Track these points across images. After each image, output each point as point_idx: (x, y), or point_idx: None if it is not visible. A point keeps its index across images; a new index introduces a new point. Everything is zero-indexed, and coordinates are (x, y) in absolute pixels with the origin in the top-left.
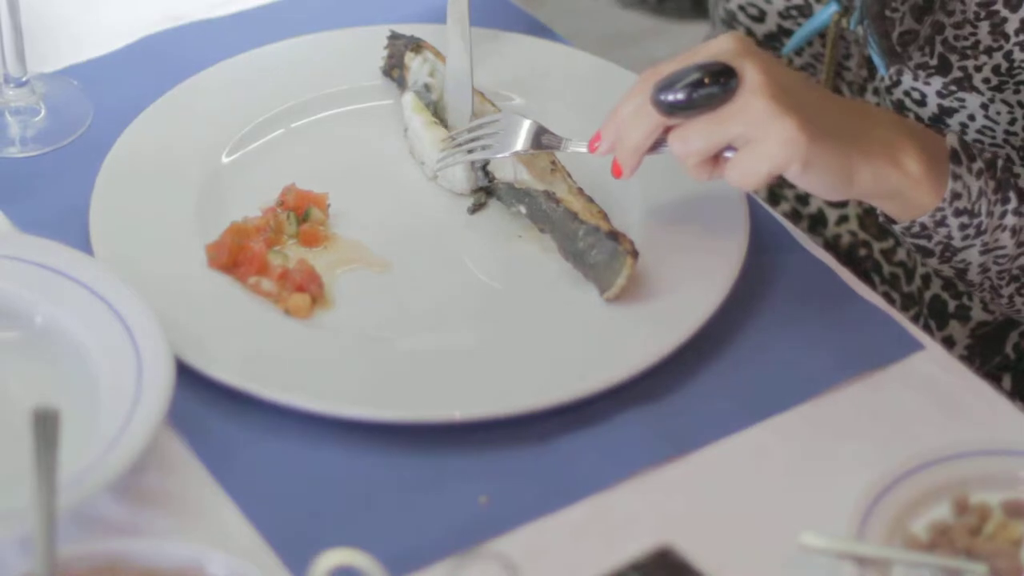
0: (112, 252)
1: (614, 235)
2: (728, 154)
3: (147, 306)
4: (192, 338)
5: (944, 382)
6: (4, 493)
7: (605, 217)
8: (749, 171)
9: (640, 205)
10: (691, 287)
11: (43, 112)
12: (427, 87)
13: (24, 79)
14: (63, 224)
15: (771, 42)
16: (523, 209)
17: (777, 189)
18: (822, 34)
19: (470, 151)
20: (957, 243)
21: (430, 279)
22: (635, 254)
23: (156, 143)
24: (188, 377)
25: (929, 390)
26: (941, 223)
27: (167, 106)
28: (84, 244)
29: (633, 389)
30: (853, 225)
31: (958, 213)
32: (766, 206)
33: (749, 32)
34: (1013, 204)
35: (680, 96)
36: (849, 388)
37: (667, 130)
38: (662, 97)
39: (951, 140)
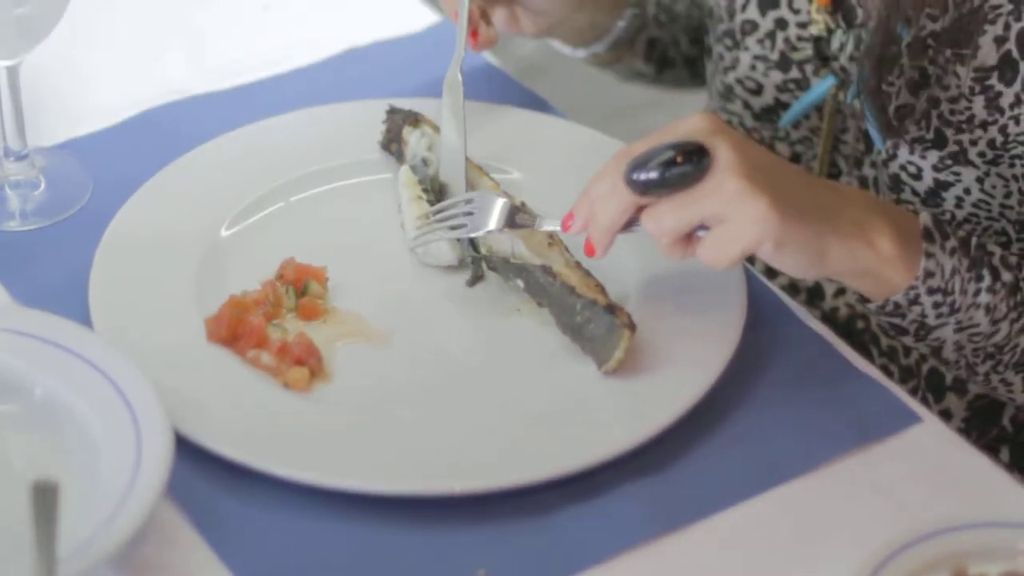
0: (112, 325)
1: (611, 308)
2: (701, 233)
3: (146, 379)
4: (191, 411)
5: (942, 454)
6: (4, 565)
7: (603, 291)
8: (721, 250)
9: (638, 278)
10: (689, 360)
11: (43, 186)
12: (425, 161)
13: (24, 153)
14: (63, 297)
15: (768, 115)
16: (520, 283)
17: None
18: (819, 107)
19: (451, 227)
20: (931, 321)
21: (429, 352)
22: (632, 327)
23: (155, 217)
24: (187, 450)
25: (927, 463)
26: (915, 301)
27: (166, 180)
28: (84, 317)
29: (632, 462)
30: (851, 298)
31: (931, 291)
32: (763, 279)
33: (747, 105)
34: (987, 282)
35: (652, 175)
36: (847, 461)
37: (640, 209)
38: (635, 176)
39: (924, 219)
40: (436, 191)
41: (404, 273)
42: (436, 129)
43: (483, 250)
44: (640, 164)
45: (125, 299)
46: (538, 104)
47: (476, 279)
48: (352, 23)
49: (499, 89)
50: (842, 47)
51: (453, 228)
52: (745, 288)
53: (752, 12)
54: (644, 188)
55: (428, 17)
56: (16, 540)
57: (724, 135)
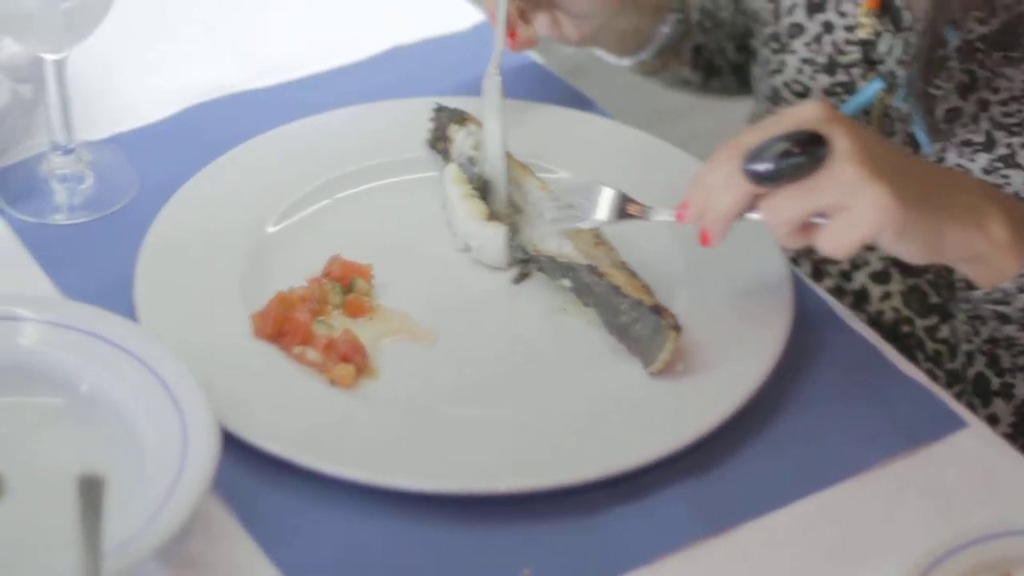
0: (157, 320)
1: (657, 309)
2: (819, 220)
3: (192, 374)
4: (237, 407)
5: (988, 460)
6: (50, 559)
7: (649, 291)
8: (842, 239)
9: (684, 280)
10: (736, 362)
11: (89, 180)
12: (471, 160)
13: (71, 147)
14: (108, 291)
15: None
16: (567, 283)
17: (821, 265)
18: (867, 111)
19: (559, 219)
20: None
21: (475, 350)
22: (678, 328)
23: (202, 212)
24: (232, 445)
25: (973, 468)
26: (1023, 289)
27: (213, 175)
28: (129, 311)
29: (679, 463)
30: (896, 302)
31: None
32: (810, 282)
33: None
34: None
35: (770, 166)
36: (892, 465)
37: (755, 198)
38: (752, 167)
39: None
40: (481, 189)
41: (450, 271)
42: (482, 127)
43: (530, 250)
44: (757, 155)
45: (171, 294)
46: (584, 104)
47: (522, 276)
48: (398, 21)
49: (545, 88)
50: (890, 50)
51: (564, 219)
52: (792, 291)
53: (799, 15)
54: (761, 179)
55: (474, 16)
56: (62, 534)
57: (839, 123)
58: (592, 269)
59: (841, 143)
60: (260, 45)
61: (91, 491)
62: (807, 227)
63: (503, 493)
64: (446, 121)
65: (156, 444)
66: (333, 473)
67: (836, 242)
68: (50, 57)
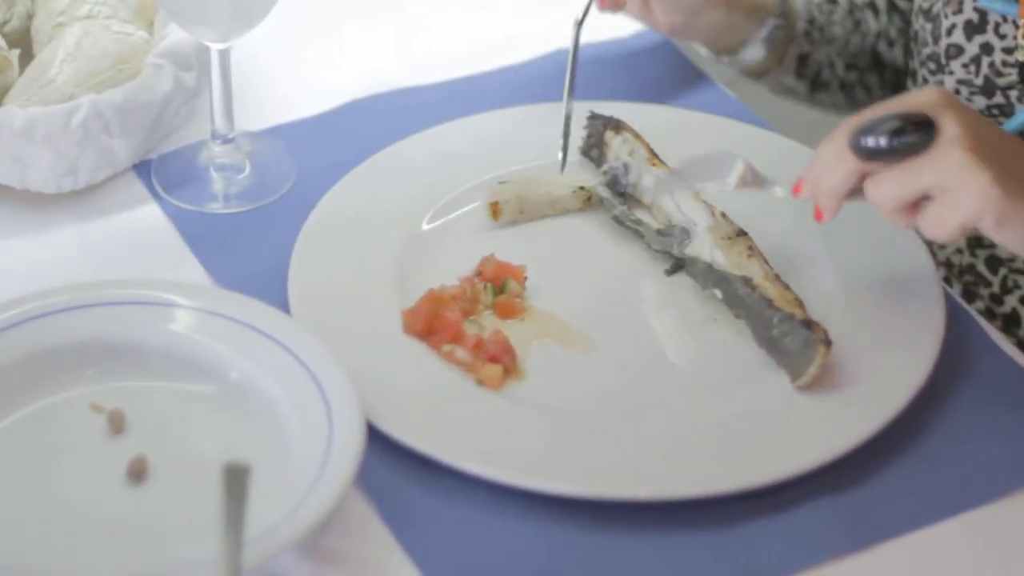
0: (309, 312)
1: (808, 324)
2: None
3: (341, 367)
4: (384, 402)
5: None
6: (193, 543)
7: (801, 305)
8: (942, 222)
9: (837, 295)
10: (885, 379)
11: (247, 170)
12: (625, 166)
13: (231, 136)
14: (262, 282)
15: None
16: (718, 293)
17: (972, 287)
18: (1022, 133)
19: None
20: None
21: (624, 357)
22: (829, 343)
23: (357, 206)
24: (376, 439)
25: None
26: None
27: (370, 170)
28: (281, 303)
29: (820, 478)
30: None
31: None
32: (962, 302)
33: None
34: None
35: (877, 142)
36: None
37: (865, 176)
38: (859, 142)
39: None
40: (633, 196)
41: (603, 276)
42: (637, 136)
43: (676, 254)
44: (866, 130)
45: (323, 286)
46: (743, 114)
47: (676, 268)
48: (561, 23)
49: (706, 99)
50: None
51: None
52: (944, 311)
53: (958, 36)
54: (868, 154)
55: (635, 23)
56: (206, 520)
57: (954, 108)
58: (746, 281)
59: (950, 126)
60: (423, 43)
61: (236, 480)
62: (915, 207)
63: (643, 500)
64: (601, 128)
65: (302, 435)
66: (475, 472)
67: (937, 224)
68: (215, 46)
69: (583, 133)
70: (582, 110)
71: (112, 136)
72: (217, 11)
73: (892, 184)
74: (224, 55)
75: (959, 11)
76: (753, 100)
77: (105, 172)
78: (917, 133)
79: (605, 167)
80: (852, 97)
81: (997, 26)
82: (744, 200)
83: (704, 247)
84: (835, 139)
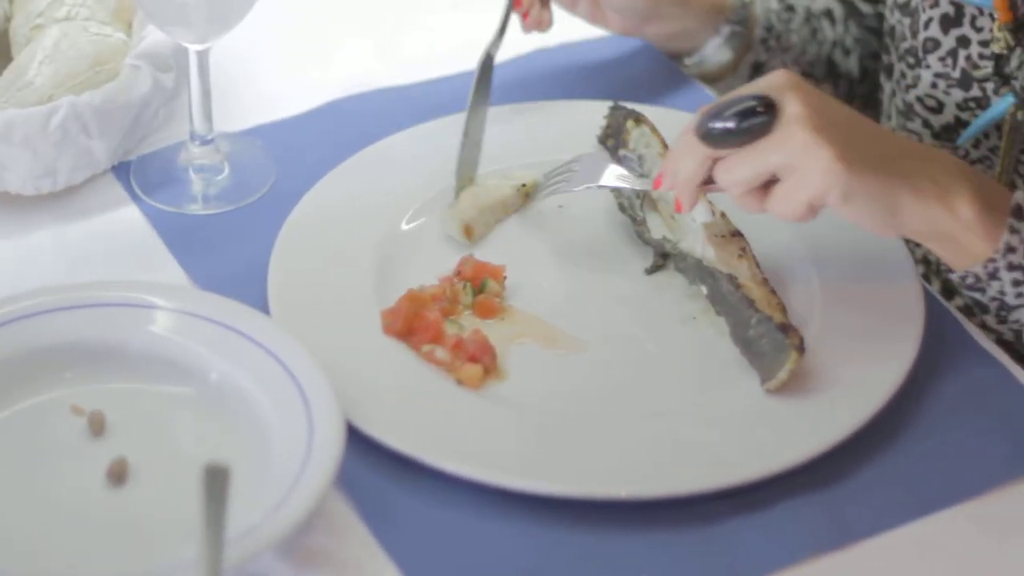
0: (288, 312)
1: (784, 328)
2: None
3: (321, 368)
4: (363, 402)
5: None
6: (174, 544)
7: (783, 310)
8: (789, 201)
9: (817, 291)
10: (865, 378)
11: (226, 171)
12: (640, 158)
13: (210, 137)
14: (241, 282)
15: (948, 134)
16: (704, 289)
17: (950, 284)
18: (999, 126)
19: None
20: (1011, 300)
21: (603, 356)
22: (802, 350)
23: (337, 207)
24: (356, 440)
25: None
26: (993, 276)
27: (350, 170)
28: (261, 303)
29: (801, 477)
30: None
31: (1011, 267)
32: (941, 299)
33: (926, 123)
34: None
35: (720, 125)
36: (1019, 486)
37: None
38: (707, 128)
39: (1018, 196)
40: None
41: (582, 275)
42: (655, 130)
43: (668, 248)
44: (710, 116)
45: (303, 287)
46: None
47: (656, 268)
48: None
49: (686, 96)
50: (1021, 65)
51: (565, 182)
52: (923, 309)
53: (935, 30)
54: (717, 140)
55: None
56: (184, 522)
57: (797, 89)
58: (732, 279)
59: (793, 108)
60: (401, 43)
61: (216, 481)
62: (765, 190)
63: (624, 499)
64: (622, 120)
65: (282, 436)
66: (456, 472)
67: (785, 203)
68: (194, 48)
69: (602, 122)
70: (564, 107)
71: (91, 137)
72: (195, 12)
73: (739, 167)
74: (203, 56)
75: (935, 5)
76: None
77: (84, 174)
78: (761, 115)
79: (621, 154)
80: None
81: (973, 19)
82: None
83: (697, 243)
84: (686, 131)
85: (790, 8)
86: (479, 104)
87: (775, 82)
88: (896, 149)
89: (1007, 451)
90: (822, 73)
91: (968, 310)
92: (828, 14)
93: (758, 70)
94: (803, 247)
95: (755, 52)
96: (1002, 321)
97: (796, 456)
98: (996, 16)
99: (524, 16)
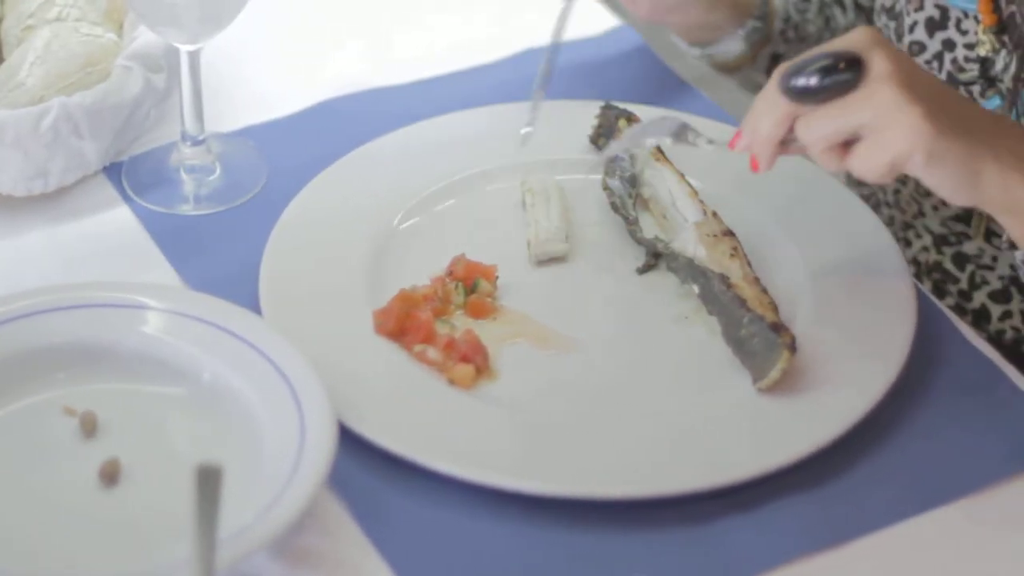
0: (280, 313)
1: (776, 327)
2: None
3: (313, 368)
4: (355, 402)
5: None
6: (166, 545)
7: (775, 309)
8: (872, 159)
9: (809, 292)
10: (856, 377)
11: (218, 171)
12: (632, 158)
13: (201, 138)
14: (233, 283)
15: None
16: (696, 288)
17: (941, 284)
18: None
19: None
20: None
21: (595, 356)
22: (793, 349)
23: (328, 207)
24: (349, 440)
25: None
26: None
27: (341, 171)
28: (253, 304)
29: (794, 475)
30: (1017, 321)
31: None
32: (932, 298)
33: None
34: None
35: (805, 82)
36: (1011, 484)
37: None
38: (790, 83)
39: None
40: (631, 183)
41: (574, 275)
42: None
43: (660, 247)
44: (796, 72)
45: (295, 287)
46: (713, 111)
47: (648, 267)
48: (532, 24)
49: (677, 97)
50: (1006, 67)
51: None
52: (915, 307)
53: (920, 33)
54: (798, 96)
55: (608, 21)
56: (176, 522)
57: (883, 46)
58: (723, 278)
59: (880, 64)
60: (394, 43)
61: (208, 482)
62: (846, 148)
63: (617, 498)
64: (614, 119)
65: (274, 436)
66: (448, 472)
67: (867, 162)
68: (185, 48)
69: (594, 122)
70: (556, 106)
71: (82, 138)
72: (186, 13)
73: (822, 123)
74: (194, 57)
75: (920, 8)
76: (723, 101)
77: (75, 174)
78: (847, 71)
79: (611, 153)
80: None
81: (958, 22)
82: (737, 202)
83: (689, 242)
84: (768, 87)
85: None
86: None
87: (860, 39)
88: (981, 116)
89: (999, 449)
90: None
91: (960, 309)
92: (839, 2)
93: (776, 61)
94: (795, 246)
95: (774, 44)
96: None
97: (788, 455)
98: (980, 19)
99: None
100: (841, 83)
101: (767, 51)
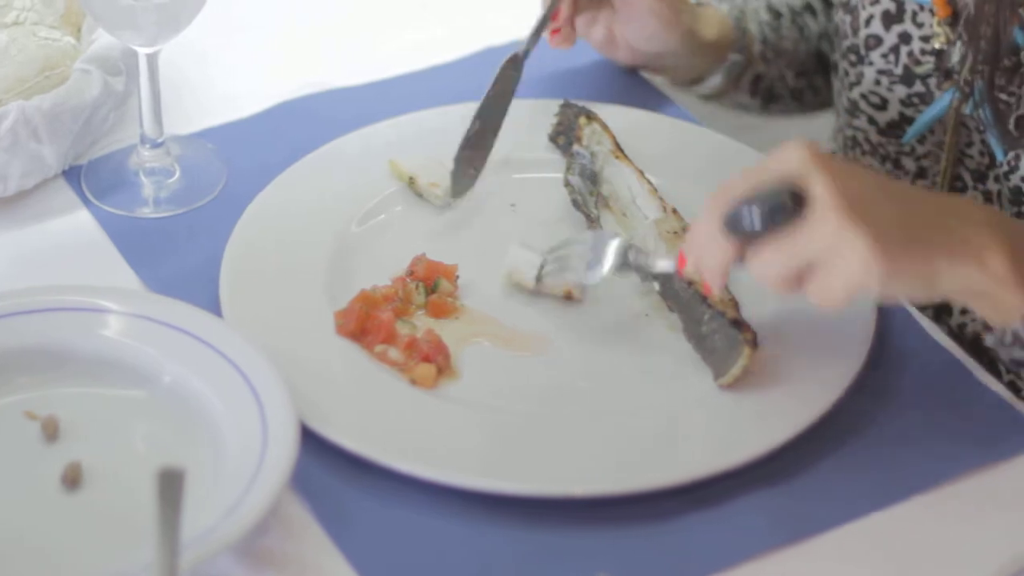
0: (241, 315)
1: (738, 324)
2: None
3: (274, 370)
4: (317, 403)
5: None
6: (129, 549)
7: (735, 306)
8: (828, 292)
9: (772, 293)
10: (817, 373)
11: (177, 174)
12: (593, 155)
13: (160, 141)
14: (193, 285)
15: (893, 130)
16: (656, 286)
17: None
18: (943, 121)
19: (562, 269)
20: None
21: (555, 354)
22: (755, 345)
23: (289, 208)
24: (311, 441)
25: None
26: None
27: (301, 172)
28: (213, 306)
29: (755, 472)
30: (978, 315)
31: None
32: None
33: (872, 120)
34: None
35: (749, 225)
36: (972, 478)
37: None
38: (733, 225)
39: None
40: (592, 181)
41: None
42: (605, 128)
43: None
44: (735, 215)
45: (255, 289)
46: (672, 109)
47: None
48: (491, 23)
49: (634, 92)
50: (963, 59)
51: (572, 271)
52: (874, 308)
53: (876, 27)
54: (740, 235)
55: None
56: (139, 526)
57: (820, 168)
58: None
59: (821, 193)
60: (352, 45)
61: (170, 484)
62: (801, 276)
63: (578, 497)
64: (573, 117)
65: (236, 438)
66: (410, 472)
67: (823, 293)
68: (143, 51)
69: (553, 120)
70: (526, 108)
71: (41, 142)
72: (144, 16)
73: (775, 261)
74: (152, 59)
75: (876, 2)
76: (686, 102)
77: (34, 178)
78: (783, 210)
79: (574, 150)
80: (802, 101)
81: (914, 15)
82: (696, 198)
83: (649, 239)
84: (708, 219)
85: (777, 15)
86: (497, 103)
87: (795, 162)
88: (927, 211)
89: (961, 443)
90: (813, 67)
91: (920, 305)
92: (809, 8)
93: (758, 82)
94: None
95: (754, 67)
96: None
97: (751, 451)
98: (935, 11)
99: (554, 32)
100: (785, 222)
101: (749, 74)
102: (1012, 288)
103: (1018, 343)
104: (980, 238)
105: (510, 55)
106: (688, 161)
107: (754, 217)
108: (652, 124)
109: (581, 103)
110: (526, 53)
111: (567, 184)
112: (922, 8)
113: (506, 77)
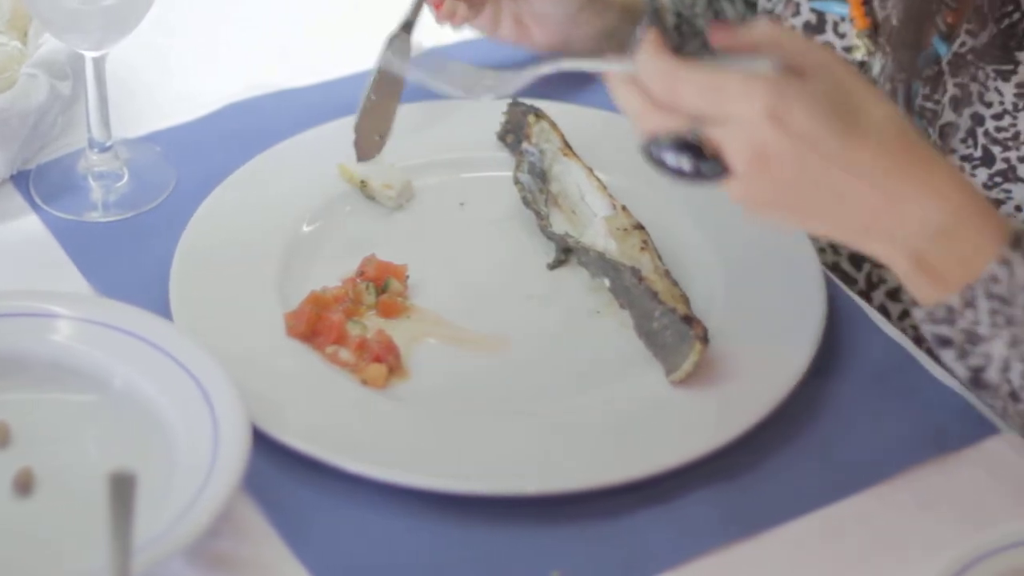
0: (191, 318)
1: (688, 319)
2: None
3: (225, 372)
4: (268, 405)
5: (1019, 465)
6: (80, 555)
7: (686, 302)
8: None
9: (721, 284)
10: (768, 367)
11: (126, 177)
12: (542, 152)
13: (108, 144)
14: (143, 289)
15: None
16: (607, 282)
17: (849, 270)
18: None
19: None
20: (983, 330)
21: (507, 352)
22: (705, 341)
23: (238, 210)
24: (263, 444)
25: (1004, 473)
26: (970, 304)
27: (250, 174)
28: (164, 309)
29: (707, 467)
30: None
31: (991, 297)
32: (842, 285)
33: None
34: None
35: (678, 165)
36: (923, 470)
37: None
38: (654, 153)
39: (1016, 225)
40: (542, 178)
41: (485, 273)
42: (554, 126)
43: (571, 242)
44: (658, 148)
45: (205, 292)
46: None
47: (558, 263)
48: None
49: (589, 95)
50: (883, 70)
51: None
52: (824, 295)
53: None
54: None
55: None
56: (91, 530)
57: (760, 138)
58: (634, 272)
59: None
60: (299, 45)
61: (122, 489)
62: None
63: (530, 495)
64: (522, 116)
65: (187, 441)
66: (363, 473)
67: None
68: (90, 54)
69: (501, 118)
70: (475, 107)
71: None
72: (90, 19)
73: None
74: (99, 63)
75: (797, 13)
76: None
77: None
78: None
79: (523, 148)
80: None
81: (836, 25)
82: (646, 195)
83: (599, 236)
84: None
85: None
86: (390, 77)
87: (749, 112)
88: (858, 216)
89: (912, 435)
90: None
91: (866, 296)
92: None
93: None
94: (704, 238)
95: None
96: (963, 356)
97: (703, 447)
98: (854, 23)
99: (436, 6)
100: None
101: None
102: (915, 290)
103: (949, 318)
104: (904, 231)
105: (388, 36)
106: (638, 158)
107: (682, 160)
108: (602, 122)
109: (529, 102)
110: (409, 25)
111: (517, 182)
112: (843, 19)
113: (391, 54)
